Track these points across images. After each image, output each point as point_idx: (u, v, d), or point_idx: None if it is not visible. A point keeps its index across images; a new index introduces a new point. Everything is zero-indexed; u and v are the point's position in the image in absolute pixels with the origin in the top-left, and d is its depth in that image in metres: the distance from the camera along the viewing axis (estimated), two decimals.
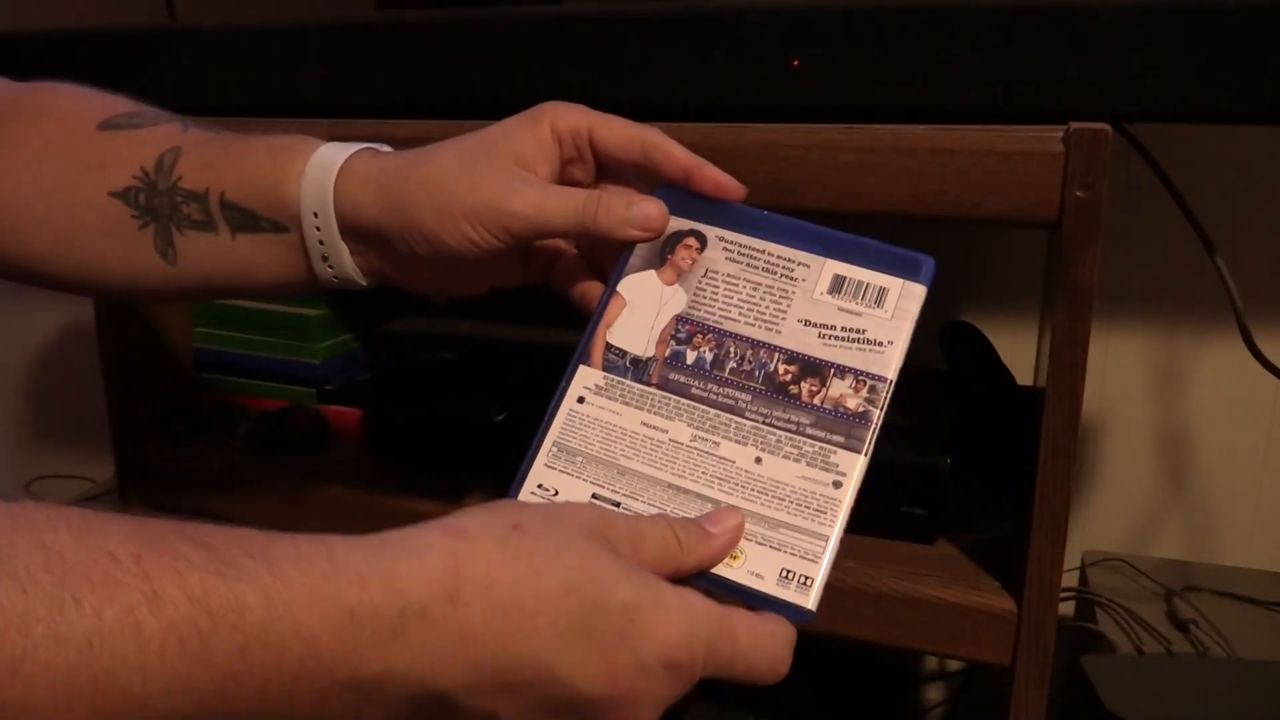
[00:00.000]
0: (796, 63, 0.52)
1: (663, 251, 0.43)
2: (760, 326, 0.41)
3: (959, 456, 0.57)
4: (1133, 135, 0.60)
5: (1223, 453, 0.89)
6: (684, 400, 0.41)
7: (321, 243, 0.44)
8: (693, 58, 0.54)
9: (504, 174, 0.42)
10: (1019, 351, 0.89)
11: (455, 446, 0.70)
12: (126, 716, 0.27)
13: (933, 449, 0.57)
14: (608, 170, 0.45)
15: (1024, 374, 0.74)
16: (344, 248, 0.44)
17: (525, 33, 0.57)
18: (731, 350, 0.41)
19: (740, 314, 0.42)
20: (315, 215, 0.43)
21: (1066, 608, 0.84)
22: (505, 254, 0.43)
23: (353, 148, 0.44)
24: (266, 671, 0.29)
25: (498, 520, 0.34)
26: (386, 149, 0.45)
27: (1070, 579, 0.87)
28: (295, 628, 0.29)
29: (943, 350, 0.72)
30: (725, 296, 0.42)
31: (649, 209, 0.42)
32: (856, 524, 0.59)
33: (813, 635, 0.56)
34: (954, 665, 0.97)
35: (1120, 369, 0.89)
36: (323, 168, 0.43)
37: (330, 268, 0.45)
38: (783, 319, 0.41)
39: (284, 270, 0.46)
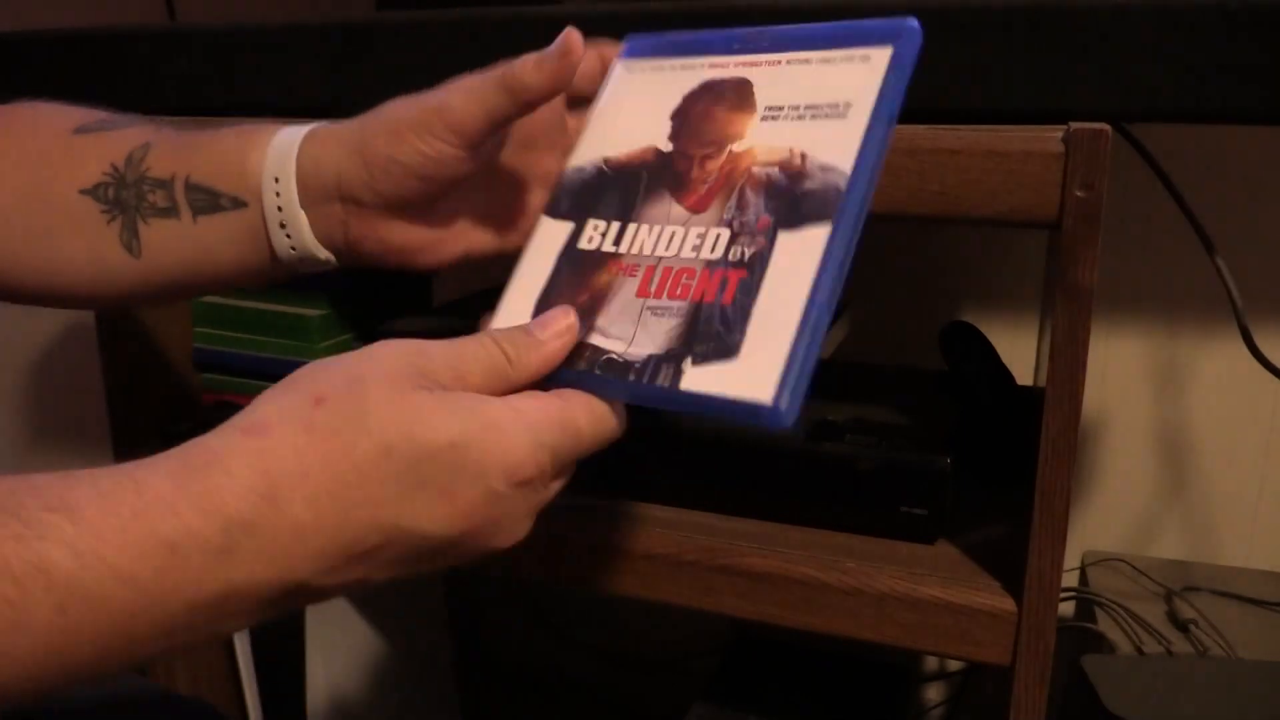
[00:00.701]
0: None
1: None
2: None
3: (959, 456, 0.57)
4: (1133, 135, 0.60)
5: (1223, 453, 0.89)
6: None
7: (280, 209, 0.44)
8: None
9: (443, 89, 0.43)
10: (1019, 351, 0.89)
11: None
12: None
13: (933, 449, 0.57)
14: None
15: (1024, 374, 0.74)
16: (303, 217, 0.44)
17: (525, 33, 0.57)
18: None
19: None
20: (276, 181, 0.44)
21: (1066, 608, 0.84)
22: (461, 169, 0.43)
23: (321, 123, 0.45)
24: (94, 622, 0.28)
25: (298, 399, 0.34)
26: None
27: (1070, 579, 0.87)
28: (112, 573, 0.29)
29: (943, 350, 0.72)
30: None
31: (562, 38, 0.42)
32: (857, 524, 0.59)
33: (813, 635, 0.56)
34: (954, 665, 0.97)
35: (1120, 369, 0.89)
36: (288, 137, 0.44)
37: (289, 237, 0.45)
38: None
39: (243, 252, 0.46)
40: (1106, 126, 0.45)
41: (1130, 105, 0.47)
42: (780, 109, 0.40)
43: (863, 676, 0.79)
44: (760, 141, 0.40)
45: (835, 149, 0.37)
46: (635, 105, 0.45)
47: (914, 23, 0.38)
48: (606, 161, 0.44)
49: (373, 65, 0.61)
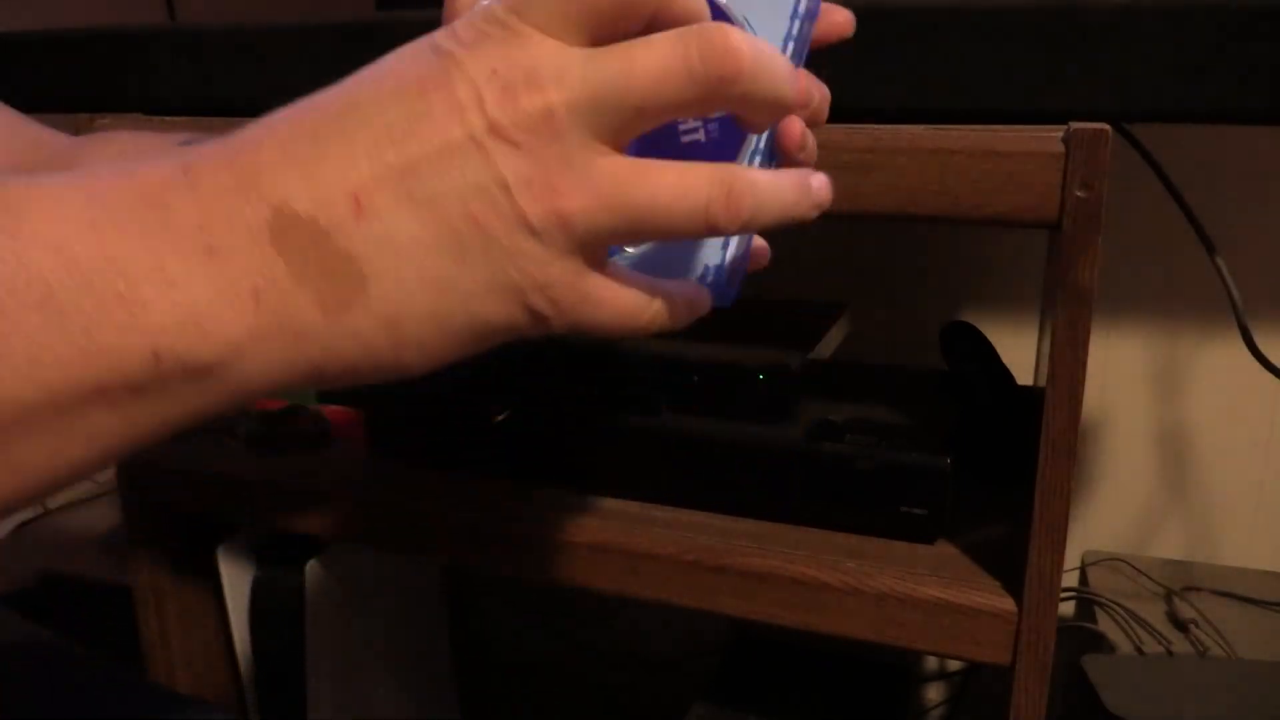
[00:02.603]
0: None
1: None
2: None
3: (959, 456, 0.57)
4: (1133, 135, 0.60)
5: (1223, 453, 0.89)
6: None
7: None
8: None
9: None
10: (1019, 351, 0.89)
11: (455, 446, 0.70)
12: None
13: (933, 449, 0.57)
14: None
15: (1024, 374, 0.74)
16: None
17: None
18: None
19: None
20: None
21: (1066, 608, 0.84)
22: None
23: None
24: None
25: None
26: None
27: (1070, 579, 0.87)
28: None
29: (943, 350, 0.72)
30: None
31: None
32: (857, 524, 0.59)
33: (813, 635, 0.56)
34: (954, 665, 0.97)
35: (1120, 369, 0.89)
36: None
37: None
38: None
39: None
40: (1106, 126, 0.45)
41: (1130, 105, 0.47)
42: None
43: (863, 676, 0.79)
44: None
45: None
46: None
47: None
48: None
49: None
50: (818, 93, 0.35)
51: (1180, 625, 0.73)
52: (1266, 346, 0.64)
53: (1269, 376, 0.65)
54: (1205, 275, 0.64)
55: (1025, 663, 0.51)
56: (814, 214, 0.32)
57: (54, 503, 1.17)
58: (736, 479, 0.61)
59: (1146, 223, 0.86)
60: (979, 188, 0.48)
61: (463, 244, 0.27)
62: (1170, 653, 0.70)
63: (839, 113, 0.52)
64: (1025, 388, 0.72)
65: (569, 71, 0.27)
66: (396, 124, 0.28)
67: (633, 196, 0.28)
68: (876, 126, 0.50)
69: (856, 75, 0.51)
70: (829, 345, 0.73)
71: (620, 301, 0.30)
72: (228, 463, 0.75)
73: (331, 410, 0.78)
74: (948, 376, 0.72)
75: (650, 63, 0.27)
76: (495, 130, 0.27)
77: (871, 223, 0.98)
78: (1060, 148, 0.46)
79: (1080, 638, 0.77)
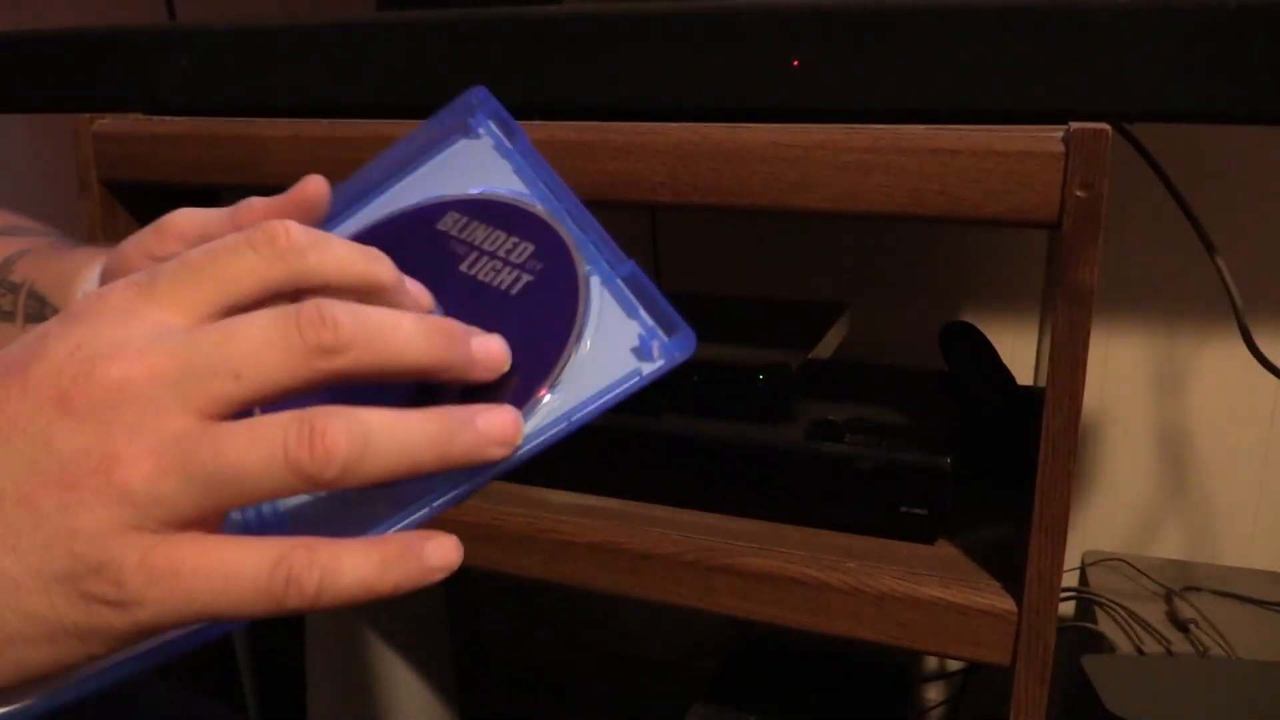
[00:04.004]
0: (796, 63, 0.52)
1: None
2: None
3: (959, 456, 0.57)
4: (1133, 135, 0.60)
5: (1223, 453, 0.89)
6: None
7: None
8: (693, 58, 0.54)
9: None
10: (1019, 351, 0.89)
11: None
12: None
13: (933, 449, 0.57)
14: None
15: (1024, 374, 0.74)
16: None
17: (525, 33, 0.57)
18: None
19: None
20: (83, 295, 0.43)
21: (1066, 608, 0.84)
22: None
23: None
24: None
25: None
26: None
27: (1070, 579, 0.87)
28: None
29: (943, 350, 0.72)
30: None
31: (300, 186, 0.34)
32: (856, 524, 0.59)
33: (813, 635, 0.56)
34: (954, 665, 0.97)
35: (1120, 369, 0.89)
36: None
37: None
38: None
39: None
40: (1106, 126, 0.45)
41: (1130, 105, 0.47)
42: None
43: (863, 676, 0.79)
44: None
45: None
46: None
47: (479, 92, 0.37)
48: None
49: (373, 65, 0.61)
50: (485, 349, 0.31)
51: (1180, 625, 0.73)
52: (1266, 346, 0.64)
53: (1269, 376, 0.65)
54: (1205, 275, 0.64)
55: (1025, 663, 0.51)
56: (495, 451, 0.29)
57: None
58: (736, 479, 0.61)
59: (1146, 223, 0.86)
60: (979, 188, 0.48)
61: (15, 530, 0.25)
62: (1170, 653, 0.70)
63: (839, 113, 0.52)
64: (1025, 388, 0.72)
65: (161, 343, 0.26)
66: None
67: (202, 459, 0.25)
68: (876, 126, 0.50)
69: (856, 75, 0.51)
70: (829, 345, 0.73)
71: (229, 562, 0.25)
72: None
73: None
74: (948, 376, 0.72)
75: (253, 329, 0.26)
76: (62, 404, 0.25)
77: (871, 223, 0.98)
78: (1060, 148, 0.46)
79: (1080, 638, 0.77)
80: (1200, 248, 0.60)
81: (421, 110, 0.61)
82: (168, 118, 0.67)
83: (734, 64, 0.53)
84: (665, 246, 1.01)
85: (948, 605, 0.52)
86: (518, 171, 0.37)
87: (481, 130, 0.38)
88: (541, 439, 0.31)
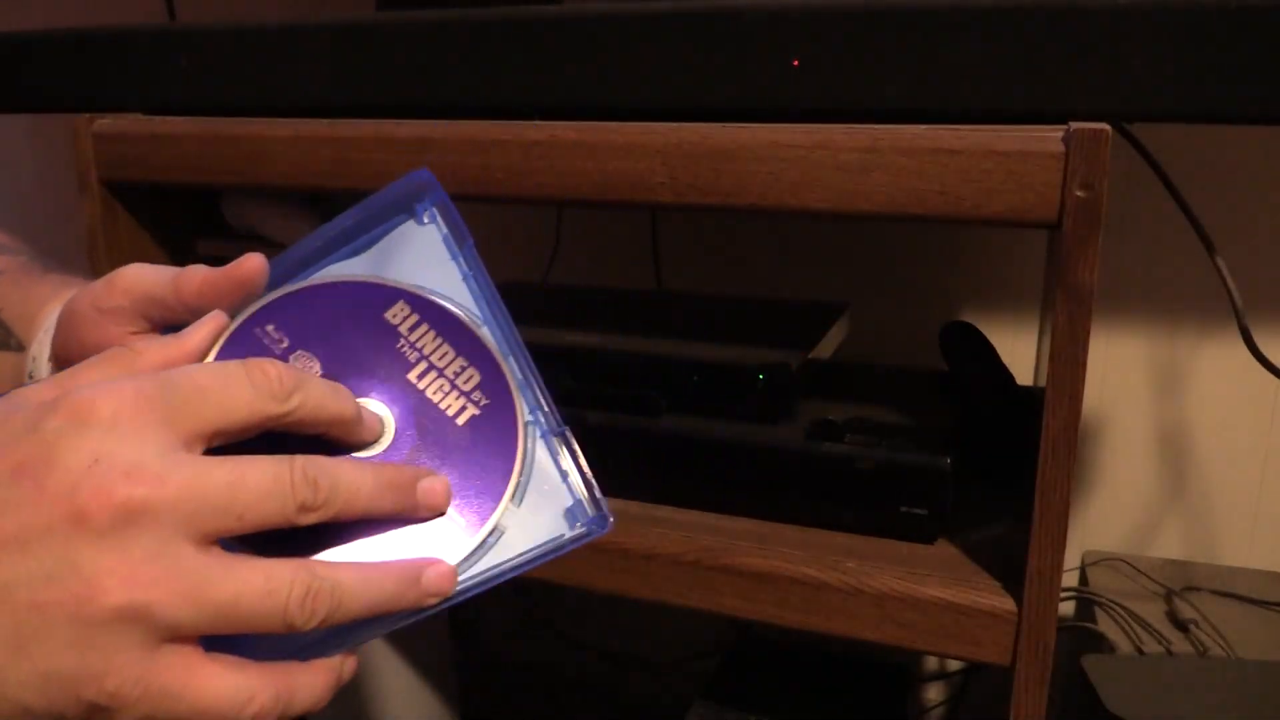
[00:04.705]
0: (796, 63, 0.52)
1: None
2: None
3: (959, 456, 0.57)
4: (1133, 135, 0.60)
5: (1223, 453, 0.89)
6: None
7: (34, 358, 0.43)
8: (693, 58, 0.54)
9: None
10: (1019, 351, 0.89)
11: None
12: None
13: (933, 449, 0.57)
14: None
15: (1024, 374, 0.74)
16: (48, 369, 0.43)
17: (525, 33, 0.57)
18: None
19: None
20: (45, 332, 0.43)
21: (1066, 608, 0.84)
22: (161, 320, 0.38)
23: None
24: None
25: None
26: None
27: (1070, 579, 0.87)
28: None
29: (943, 350, 0.72)
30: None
31: (238, 263, 0.35)
32: (856, 524, 0.59)
33: (813, 635, 0.56)
34: (954, 665, 0.97)
35: (1120, 369, 0.89)
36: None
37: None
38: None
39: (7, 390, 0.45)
40: (1106, 126, 0.45)
41: (1130, 105, 0.47)
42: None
43: (863, 676, 0.79)
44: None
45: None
46: None
47: (422, 174, 0.37)
48: None
49: (373, 65, 0.61)
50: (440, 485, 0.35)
51: (1180, 625, 0.73)
52: (1266, 346, 0.64)
53: (1269, 376, 0.65)
54: (1205, 275, 0.64)
55: (1025, 663, 0.51)
56: (431, 601, 0.34)
57: None
58: (736, 479, 0.61)
59: (1146, 223, 0.86)
60: (979, 188, 0.48)
61: (19, 632, 0.27)
62: (1170, 653, 0.70)
63: (839, 113, 0.52)
64: (1025, 388, 0.72)
65: (177, 471, 0.29)
66: None
67: (216, 593, 0.29)
68: (876, 126, 0.50)
69: (856, 75, 0.51)
70: (829, 345, 0.73)
71: (210, 692, 0.29)
72: None
73: None
74: (948, 376, 0.72)
75: (256, 479, 0.30)
76: (80, 521, 0.27)
77: (871, 223, 0.98)
78: (1060, 148, 0.46)
79: (1080, 638, 0.77)
80: (1200, 248, 0.60)
81: (422, 110, 0.61)
82: (168, 118, 0.67)
83: (734, 64, 0.53)
84: (665, 246, 1.01)
85: (948, 605, 0.52)
86: (464, 280, 0.37)
87: (427, 218, 0.38)
88: (466, 594, 0.35)
